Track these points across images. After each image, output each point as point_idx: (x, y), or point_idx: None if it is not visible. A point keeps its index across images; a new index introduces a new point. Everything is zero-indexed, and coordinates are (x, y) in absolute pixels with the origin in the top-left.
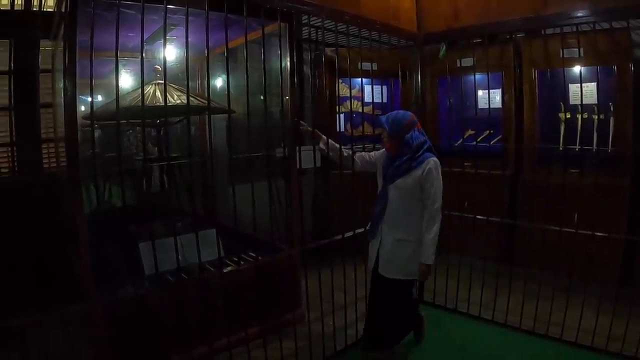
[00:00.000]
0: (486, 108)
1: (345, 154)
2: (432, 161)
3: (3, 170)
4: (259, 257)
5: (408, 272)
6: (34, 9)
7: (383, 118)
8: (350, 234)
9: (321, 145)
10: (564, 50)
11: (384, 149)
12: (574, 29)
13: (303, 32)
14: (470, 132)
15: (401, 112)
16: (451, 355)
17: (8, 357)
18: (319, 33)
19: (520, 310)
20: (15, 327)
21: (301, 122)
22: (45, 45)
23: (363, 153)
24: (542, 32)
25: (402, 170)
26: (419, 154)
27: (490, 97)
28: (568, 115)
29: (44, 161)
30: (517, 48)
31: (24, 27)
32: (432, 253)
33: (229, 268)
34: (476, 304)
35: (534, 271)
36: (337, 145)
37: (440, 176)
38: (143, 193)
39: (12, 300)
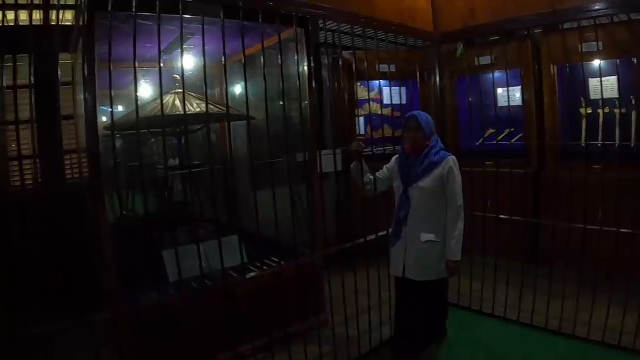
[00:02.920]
0: (506, 106)
1: (367, 180)
2: (451, 159)
3: (27, 182)
4: (282, 262)
5: (439, 272)
6: (52, 23)
7: (418, 115)
8: (372, 236)
9: (357, 166)
10: (583, 44)
11: (395, 157)
12: (592, 22)
13: (319, 36)
14: (491, 130)
15: (424, 112)
16: (477, 356)
17: None
18: (336, 36)
19: (545, 309)
20: (41, 335)
21: (360, 142)
22: (65, 58)
23: (377, 174)
24: (560, 26)
25: (422, 170)
26: (439, 153)
27: (509, 95)
28: (589, 110)
29: (66, 172)
30: (535, 44)
31: (42, 41)
32: (459, 249)
33: (252, 274)
34: (501, 305)
35: (558, 270)
36: (370, 177)
37: (460, 173)
38: (165, 201)
39: (38, 308)
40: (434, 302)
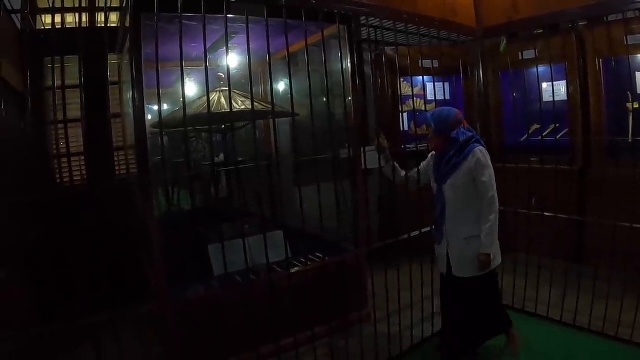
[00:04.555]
0: (551, 101)
1: (403, 174)
2: (479, 151)
3: (77, 178)
4: (326, 258)
5: None
6: (99, 25)
7: (429, 115)
8: (416, 233)
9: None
10: (628, 36)
11: (431, 153)
12: (637, 14)
13: (362, 32)
14: (536, 126)
15: (447, 109)
16: (518, 356)
17: (83, 355)
18: (378, 33)
19: (589, 310)
20: (90, 325)
21: (381, 136)
22: (112, 59)
23: (415, 169)
24: (605, 19)
25: (451, 167)
26: (466, 147)
27: (554, 90)
28: (636, 105)
29: (115, 168)
30: (580, 37)
31: (90, 43)
32: (490, 242)
33: (296, 269)
34: (544, 304)
35: (604, 270)
36: (402, 173)
37: (490, 163)
38: (211, 196)
39: (87, 300)
40: (485, 296)
